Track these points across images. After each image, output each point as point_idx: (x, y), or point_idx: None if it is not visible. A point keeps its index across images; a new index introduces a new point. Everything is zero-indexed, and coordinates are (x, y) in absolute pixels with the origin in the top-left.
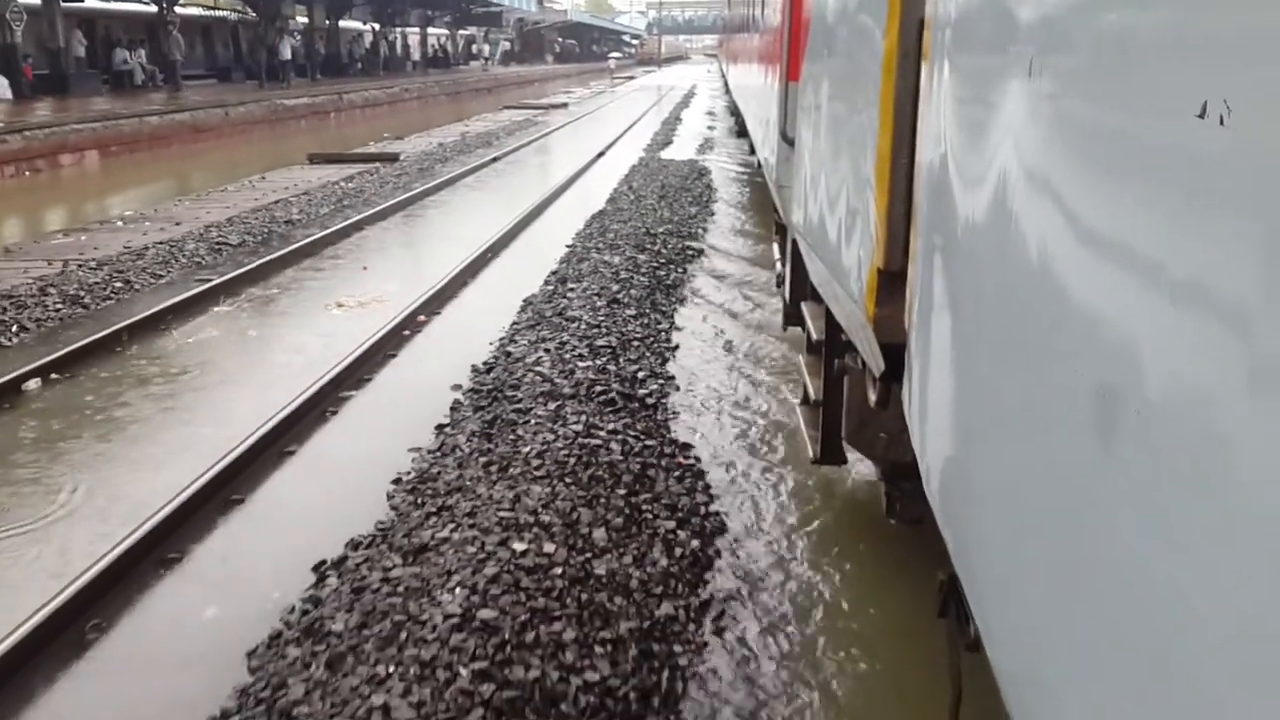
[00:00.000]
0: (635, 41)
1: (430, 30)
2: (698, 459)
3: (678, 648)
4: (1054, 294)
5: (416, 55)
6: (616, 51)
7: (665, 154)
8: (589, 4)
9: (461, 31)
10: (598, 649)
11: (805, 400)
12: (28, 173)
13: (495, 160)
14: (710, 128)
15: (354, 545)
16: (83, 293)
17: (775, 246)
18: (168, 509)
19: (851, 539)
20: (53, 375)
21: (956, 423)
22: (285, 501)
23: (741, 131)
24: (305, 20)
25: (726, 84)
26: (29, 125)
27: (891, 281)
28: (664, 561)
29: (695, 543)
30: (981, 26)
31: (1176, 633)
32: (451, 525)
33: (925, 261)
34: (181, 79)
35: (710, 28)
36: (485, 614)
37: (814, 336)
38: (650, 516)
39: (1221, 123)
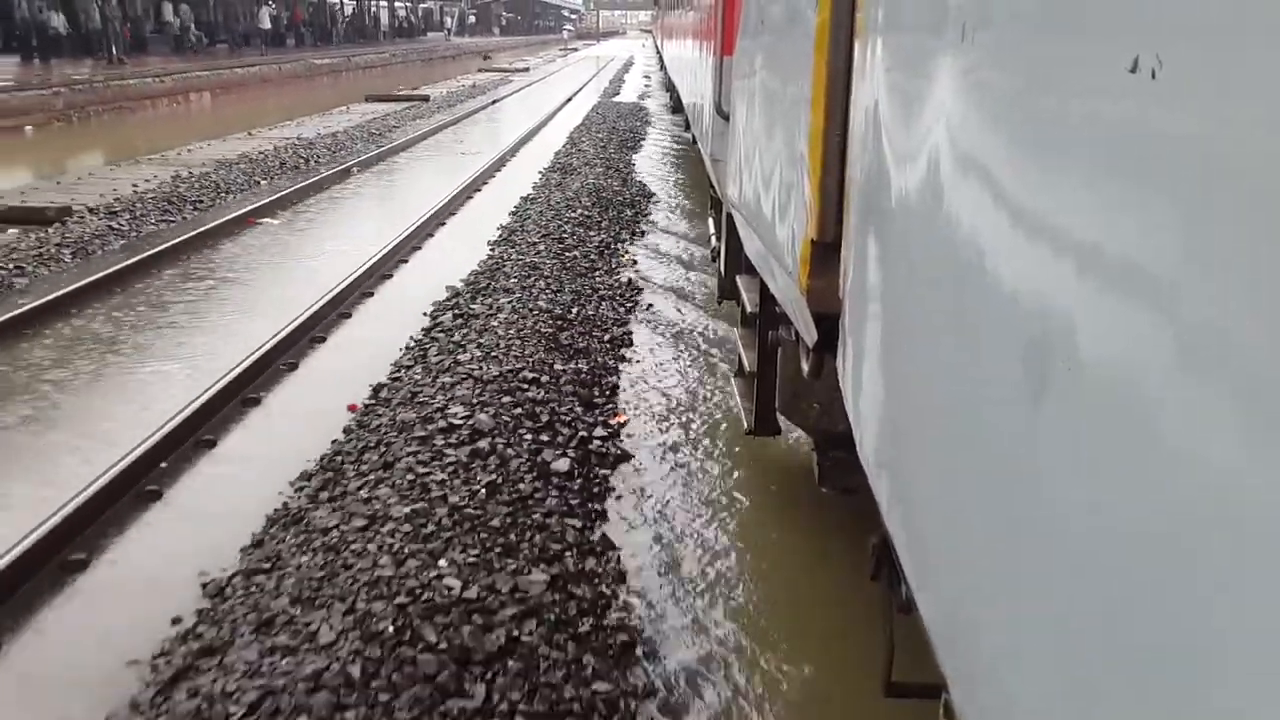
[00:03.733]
0: (574, 16)
1: (396, 3)
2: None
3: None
4: (985, 260)
5: (386, 26)
6: (564, 25)
7: (616, 99)
8: None
9: (421, 5)
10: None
11: (740, 372)
12: (179, 103)
13: (499, 100)
14: (646, 85)
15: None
16: (305, 157)
17: (710, 222)
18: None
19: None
20: (330, 186)
21: (889, 388)
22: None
23: (677, 107)
24: None
25: (661, 60)
26: (168, 73)
27: (825, 253)
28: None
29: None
30: (912, 2)
31: (1108, 590)
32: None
33: (859, 233)
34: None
35: (644, 3)
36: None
37: (749, 309)
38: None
39: (1153, 76)
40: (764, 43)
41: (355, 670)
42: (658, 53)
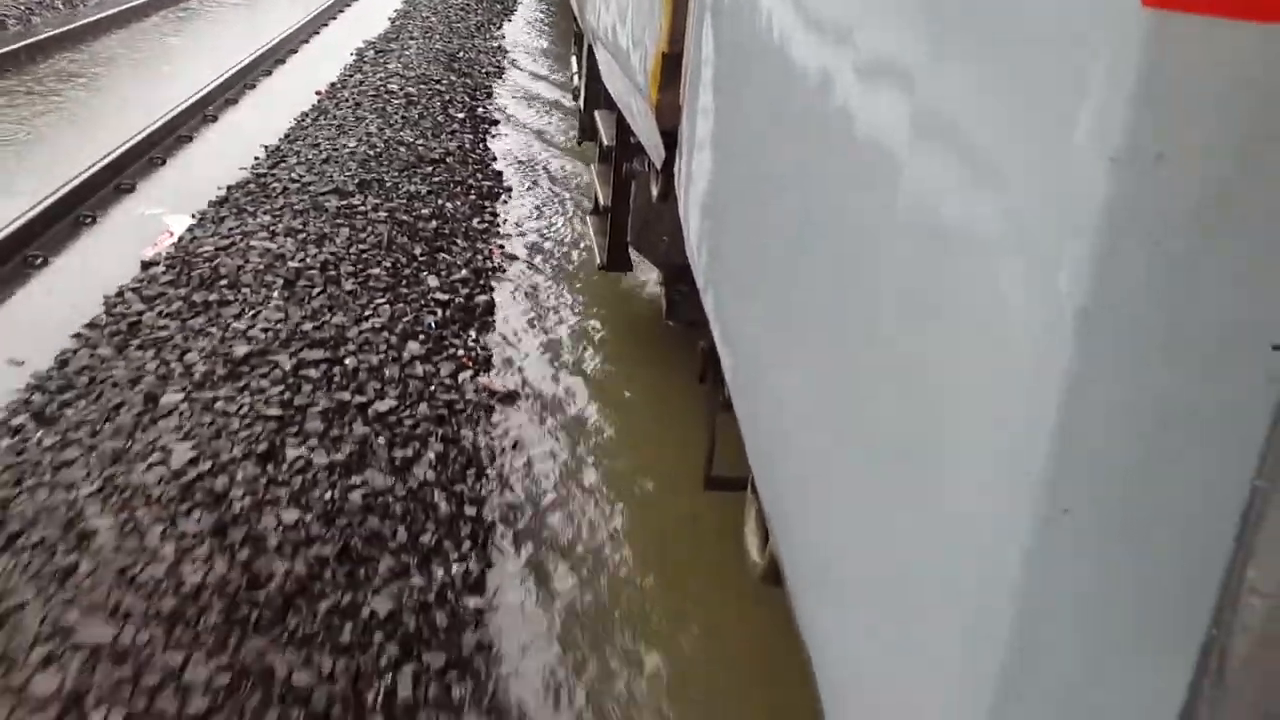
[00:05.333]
0: None
1: None
2: None
3: None
4: (810, 68)
5: None
6: None
7: None
8: None
9: None
10: None
11: (595, 210)
12: None
13: None
14: None
15: None
16: None
17: (573, 60)
18: None
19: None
20: None
21: (714, 187)
22: None
23: None
24: None
25: None
26: None
27: (673, 66)
28: None
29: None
30: None
31: (883, 390)
32: None
33: (696, 42)
34: None
35: None
36: None
37: (605, 142)
38: None
39: None
40: None
41: (370, 151)
42: None
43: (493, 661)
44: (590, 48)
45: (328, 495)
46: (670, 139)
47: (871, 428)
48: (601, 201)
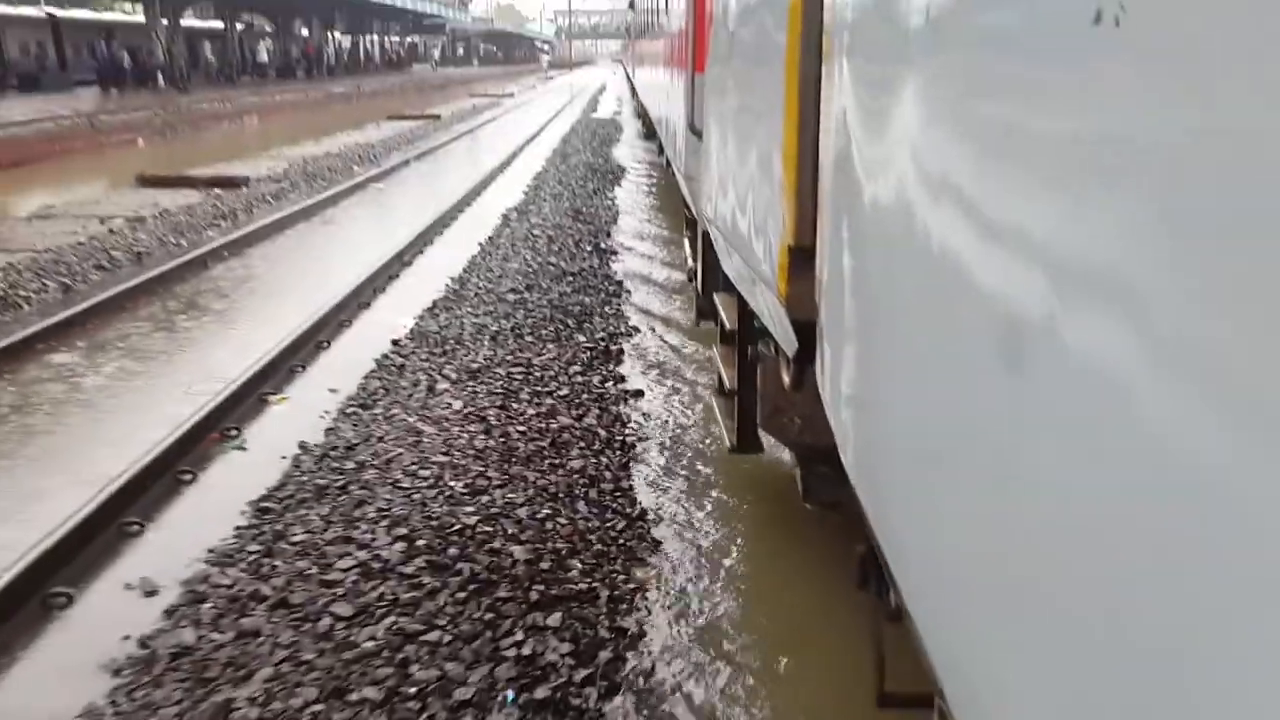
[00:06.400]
0: (545, 46)
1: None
2: None
3: None
4: (958, 263)
5: (378, 59)
6: (541, 54)
7: (594, 115)
8: (497, 13)
9: (407, 39)
10: None
11: (721, 391)
12: (237, 121)
13: (498, 117)
14: (618, 108)
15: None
16: (368, 153)
17: (686, 244)
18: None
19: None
20: (408, 160)
21: (868, 392)
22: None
23: (650, 134)
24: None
25: (633, 86)
26: (222, 99)
27: (802, 259)
28: None
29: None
30: (876, 24)
31: (1098, 591)
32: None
33: (833, 237)
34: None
35: (615, 33)
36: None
37: (728, 326)
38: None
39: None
40: (735, 62)
41: (529, 269)
42: (628, 80)
43: None
44: (705, 233)
45: (540, 426)
46: (802, 328)
47: (1098, 636)
48: (727, 384)
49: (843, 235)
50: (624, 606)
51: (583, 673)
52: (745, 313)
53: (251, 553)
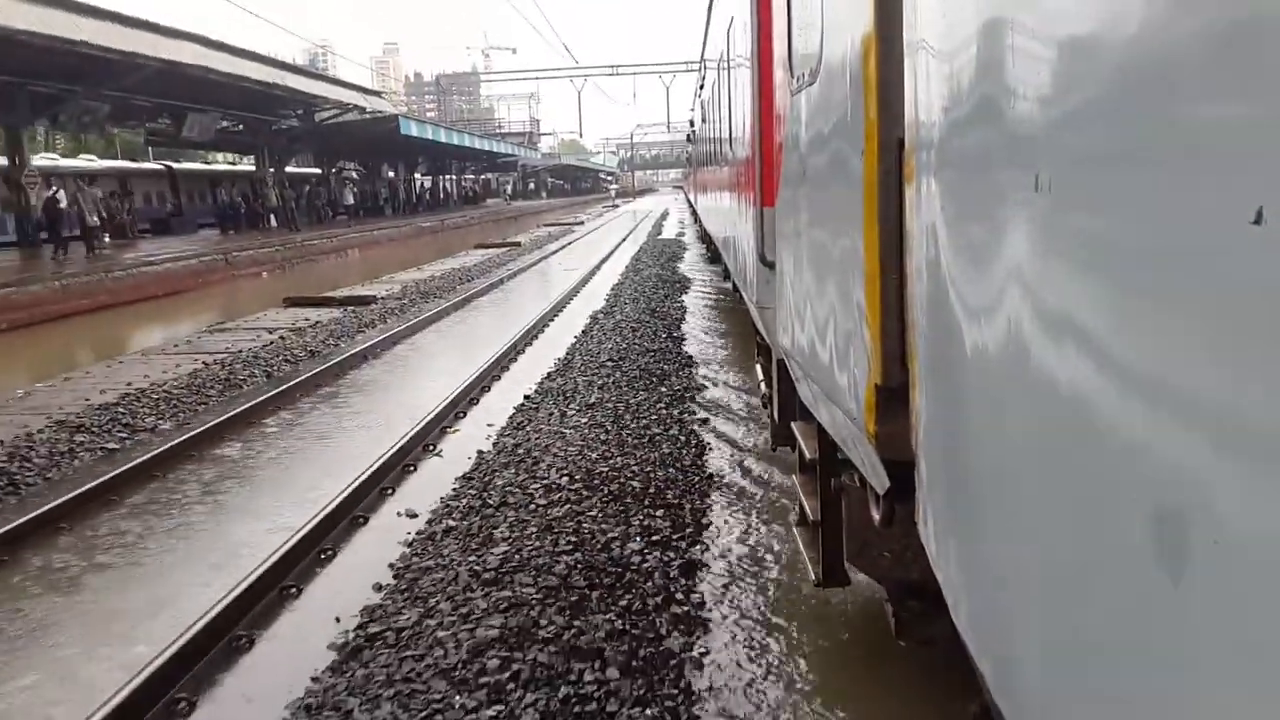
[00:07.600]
0: (610, 177)
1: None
2: None
3: None
4: (1095, 423)
5: (455, 195)
6: (606, 185)
7: (660, 236)
8: (562, 147)
9: (481, 176)
10: None
11: (802, 521)
12: (343, 255)
13: (572, 242)
14: (681, 230)
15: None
16: (466, 275)
17: (759, 369)
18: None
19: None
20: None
21: (988, 548)
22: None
23: (714, 259)
24: (360, 171)
25: (695, 212)
26: (328, 236)
27: (891, 398)
28: None
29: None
30: (969, 145)
31: None
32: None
33: (930, 382)
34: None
35: (675, 162)
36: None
37: (808, 456)
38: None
39: (1259, 220)
40: (808, 192)
41: (618, 349)
42: (690, 206)
43: None
44: (780, 361)
45: (645, 435)
46: (891, 466)
47: None
48: (809, 515)
49: (945, 379)
50: (701, 506)
51: (677, 535)
52: (825, 442)
53: (474, 488)
